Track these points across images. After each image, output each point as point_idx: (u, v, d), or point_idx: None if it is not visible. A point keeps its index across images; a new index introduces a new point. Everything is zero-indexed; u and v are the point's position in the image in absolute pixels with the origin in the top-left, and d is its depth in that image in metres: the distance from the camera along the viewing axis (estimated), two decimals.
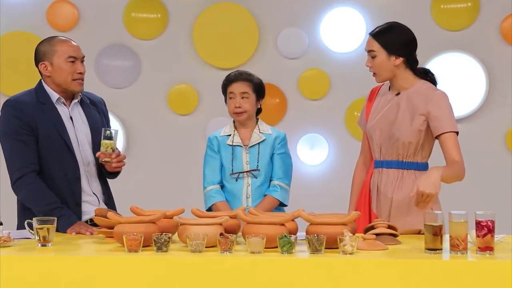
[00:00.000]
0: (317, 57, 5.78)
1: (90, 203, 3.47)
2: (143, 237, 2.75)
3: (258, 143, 3.78)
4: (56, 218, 2.95)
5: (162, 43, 5.86)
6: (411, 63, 3.50)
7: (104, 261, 2.70)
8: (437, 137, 3.40)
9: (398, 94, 3.49)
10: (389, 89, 3.53)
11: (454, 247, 2.69)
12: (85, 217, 3.45)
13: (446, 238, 2.75)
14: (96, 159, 3.49)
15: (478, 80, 5.70)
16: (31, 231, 3.05)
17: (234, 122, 3.85)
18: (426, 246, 2.73)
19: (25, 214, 3.35)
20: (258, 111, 3.87)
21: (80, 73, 3.46)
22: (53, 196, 3.36)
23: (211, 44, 5.82)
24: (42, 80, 3.53)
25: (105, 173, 3.58)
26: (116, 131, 3.42)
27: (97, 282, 2.65)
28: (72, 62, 3.45)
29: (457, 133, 3.40)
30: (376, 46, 3.42)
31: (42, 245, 2.90)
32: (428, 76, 3.57)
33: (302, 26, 5.80)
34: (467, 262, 2.62)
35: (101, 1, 5.87)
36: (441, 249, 2.71)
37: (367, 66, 3.46)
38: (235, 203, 3.72)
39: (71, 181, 3.43)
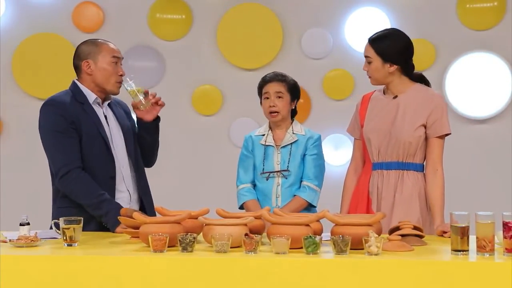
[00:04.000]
0: (342, 58, 5.77)
1: (123, 199, 3.51)
2: (168, 237, 2.76)
3: (290, 144, 3.81)
4: (82, 219, 2.97)
5: (186, 44, 5.88)
6: (407, 70, 3.57)
7: (129, 261, 2.70)
8: (428, 138, 3.51)
9: (395, 97, 3.56)
10: (384, 93, 3.60)
11: (481, 248, 2.66)
12: None
13: (472, 239, 2.72)
14: (130, 155, 3.56)
15: (504, 80, 5.66)
16: (57, 231, 3.07)
17: (269, 122, 3.88)
18: (452, 247, 2.71)
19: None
20: (294, 112, 3.89)
21: (121, 75, 3.54)
22: (99, 189, 3.40)
23: (235, 44, 5.82)
24: (76, 80, 3.58)
25: (148, 127, 3.62)
26: (132, 77, 3.51)
27: (123, 282, 2.66)
28: (115, 63, 3.53)
29: (448, 134, 3.53)
30: (371, 52, 3.51)
31: (68, 245, 2.92)
32: (423, 81, 3.64)
33: (327, 26, 5.79)
34: (494, 263, 2.60)
35: (126, 2, 5.91)
36: (468, 250, 2.69)
37: (364, 70, 3.56)
38: (265, 202, 3.77)
39: (108, 178, 3.47)
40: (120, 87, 3.55)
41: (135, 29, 5.89)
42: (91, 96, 3.53)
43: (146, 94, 3.54)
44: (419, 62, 5.64)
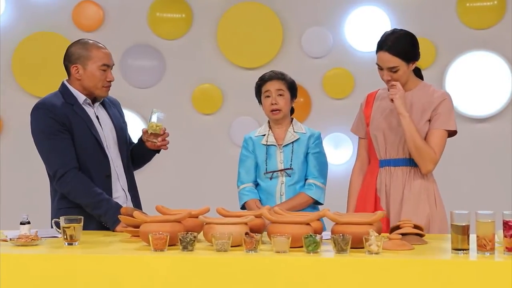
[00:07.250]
0: (342, 56, 5.76)
1: (120, 199, 3.51)
2: (168, 236, 2.76)
3: (292, 142, 3.80)
4: (82, 218, 2.97)
5: (186, 43, 5.88)
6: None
7: (130, 260, 2.71)
8: (428, 131, 3.47)
9: None
10: (389, 91, 3.54)
11: (481, 247, 2.66)
12: None
13: (473, 238, 2.72)
14: (123, 155, 3.57)
15: (504, 79, 5.66)
16: (58, 230, 3.07)
17: (268, 122, 3.88)
18: (453, 246, 2.71)
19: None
20: (291, 111, 3.89)
21: (110, 81, 3.52)
22: (97, 189, 3.41)
23: (235, 43, 5.82)
24: (65, 81, 3.56)
25: (145, 150, 3.61)
26: (165, 115, 3.52)
27: (123, 281, 2.66)
28: (105, 70, 3.50)
29: (452, 132, 3.48)
30: (396, 60, 3.42)
31: (69, 244, 2.91)
32: (421, 74, 3.62)
33: (327, 25, 5.79)
34: (494, 262, 2.60)
35: (126, 1, 5.91)
36: (468, 249, 2.69)
37: (387, 80, 3.45)
38: (269, 201, 3.76)
39: (104, 177, 3.48)
40: (108, 90, 3.54)
41: (135, 28, 5.88)
42: (81, 97, 3.52)
43: (157, 135, 3.52)
44: (419, 61, 5.68)
